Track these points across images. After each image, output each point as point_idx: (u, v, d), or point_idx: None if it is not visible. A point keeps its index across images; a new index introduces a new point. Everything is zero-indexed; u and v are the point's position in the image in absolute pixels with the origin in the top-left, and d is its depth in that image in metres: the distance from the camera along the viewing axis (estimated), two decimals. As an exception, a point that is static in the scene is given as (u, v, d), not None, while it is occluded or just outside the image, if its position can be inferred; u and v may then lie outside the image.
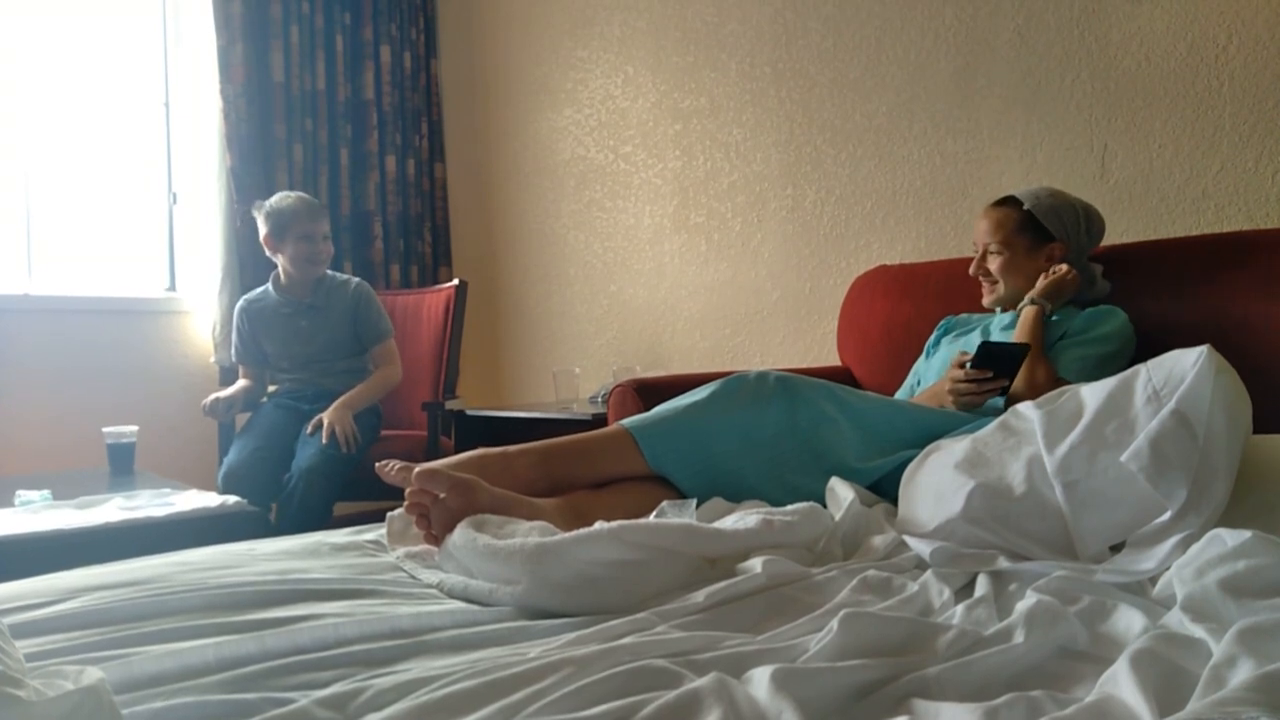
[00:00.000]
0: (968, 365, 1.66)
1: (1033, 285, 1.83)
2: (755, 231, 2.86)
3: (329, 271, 2.88)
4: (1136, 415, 1.16)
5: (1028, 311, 1.78)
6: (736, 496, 1.41)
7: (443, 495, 1.22)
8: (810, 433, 1.47)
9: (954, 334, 2.04)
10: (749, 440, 1.46)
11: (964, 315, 2.09)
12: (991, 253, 1.91)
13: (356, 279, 2.90)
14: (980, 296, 1.98)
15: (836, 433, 1.48)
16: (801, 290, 2.75)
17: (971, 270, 1.95)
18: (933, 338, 2.09)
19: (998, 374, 1.63)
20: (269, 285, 2.89)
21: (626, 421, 1.48)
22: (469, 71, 3.87)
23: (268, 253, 2.83)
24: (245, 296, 2.92)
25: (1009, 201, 1.92)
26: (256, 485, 2.51)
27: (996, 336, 1.90)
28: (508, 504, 1.26)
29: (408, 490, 1.25)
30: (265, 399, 2.91)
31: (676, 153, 3.07)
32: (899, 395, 2.07)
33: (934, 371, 1.99)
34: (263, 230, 2.78)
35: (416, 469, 1.25)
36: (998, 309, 1.97)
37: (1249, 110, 1.93)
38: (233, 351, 2.93)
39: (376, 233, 3.69)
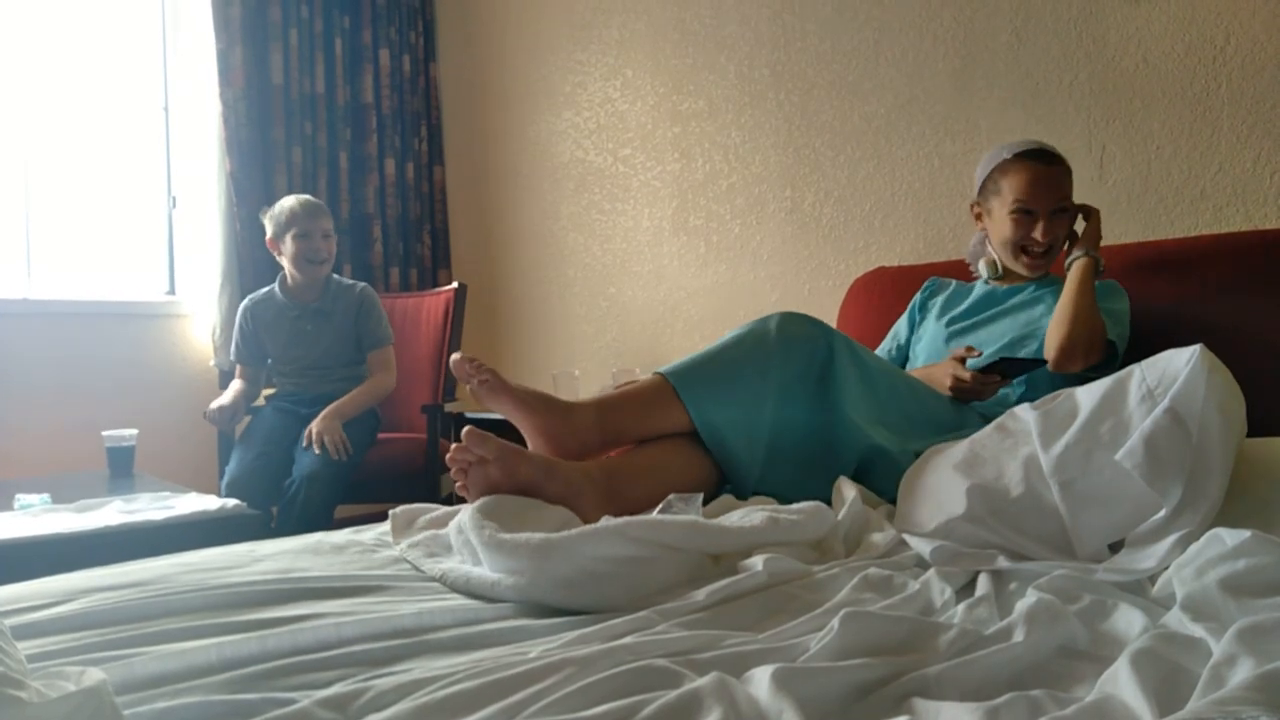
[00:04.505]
0: (967, 362, 1.66)
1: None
2: (754, 233, 2.86)
3: (335, 275, 2.88)
4: (1131, 414, 1.17)
5: (1083, 265, 1.71)
6: (775, 467, 1.43)
7: (490, 459, 1.25)
8: (833, 402, 1.48)
9: (941, 298, 2.02)
10: (776, 409, 1.46)
11: (947, 279, 2.08)
12: (1058, 213, 1.79)
13: (363, 284, 2.90)
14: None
15: (853, 396, 1.48)
16: (800, 292, 2.75)
17: (1046, 235, 1.78)
18: (918, 300, 2.07)
19: (1004, 376, 1.65)
20: (274, 287, 2.88)
21: (669, 374, 1.48)
22: (468, 75, 3.87)
23: (275, 255, 2.84)
24: (250, 296, 2.91)
25: (1057, 158, 1.80)
26: (259, 493, 2.50)
27: (981, 327, 1.89)
28: (548, 474, 1.28)
29: (453, 446, 1.28)
30: (264, 401, 2.91)
31: (675, 155, 3.07)
32: (877, 354, 2.07)
33: (924, 344, 1.97)
34: (268, 233, 2.81)
35: (466, 428, 1.28)
36: (986, 277, 1.94)
37: (1247, 111, 1.93)
38: (232, 350, 2.91)
39: (376, 236, 3.69)
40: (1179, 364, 1.18)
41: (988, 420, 1.66)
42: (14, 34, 3.24)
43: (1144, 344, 1.77)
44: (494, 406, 1.44)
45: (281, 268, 2.86)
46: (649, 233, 3.17)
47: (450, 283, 3.31)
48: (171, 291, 3.52)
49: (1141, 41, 2.07)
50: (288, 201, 2.79)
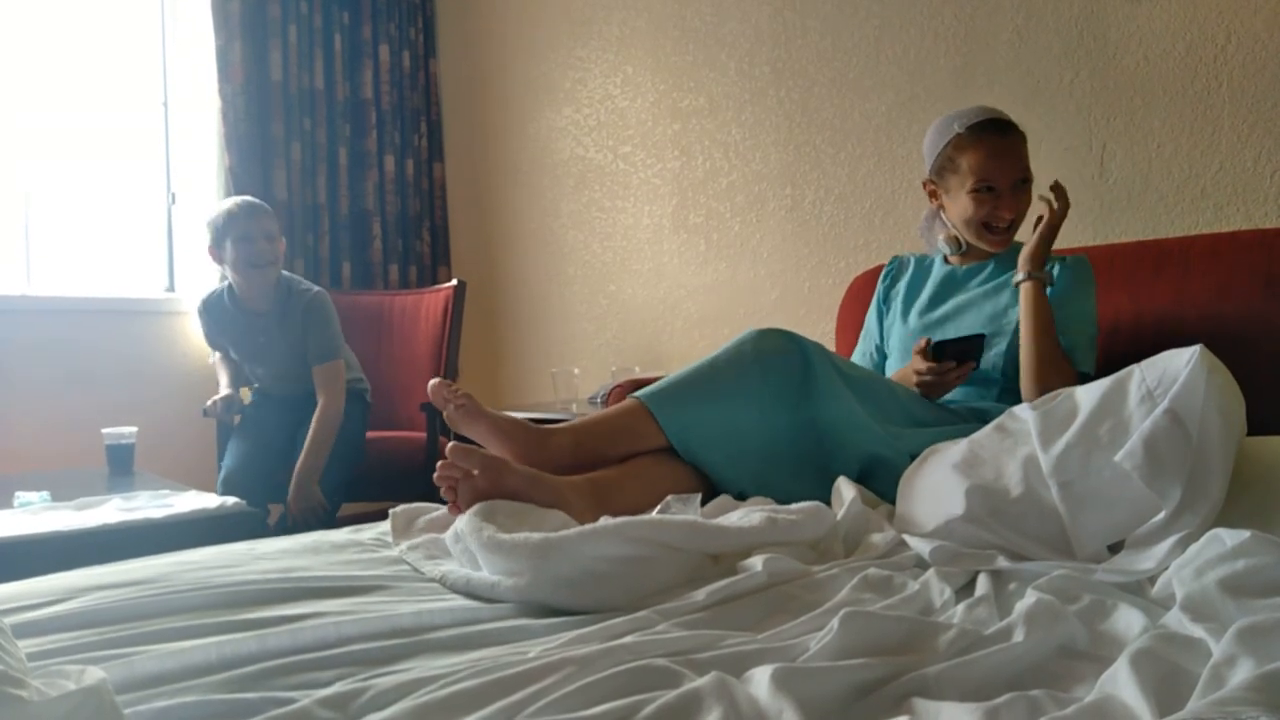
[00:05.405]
0: (928, 351, 1.64)
1: None
2: (754, 231, 2.86)
3: (292, 276, 2.71)
4: (1130, 415, 1.17)
5: (1029, 291, 1.63)
6: (767, 477, 1.44)
7: (475, 472, 1.26)
8: (819, 409, 1.48)
9: (903, 284, 1.95)
10: (755, 423, 1.47)
11: (906, 255, 2.02)
12: (1021, 185, 1.70)
13: (317, 289, 2.68)
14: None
15: (839, 398, 1.49)
16: (800, 290, 2.75)
17: (1010, 212, 1.71)
18: (880, 291, 2.01)
19: (961, 362, 1.62)
20: (224, 292, 2.70)
21: (645, 397, 1.49)
22: (468, 71, 3.86)
23: (218, 266, 2.66)
24: (203, 299, 2.74)
25: (1013, 127, 1.72)
26: (256, 488, 2.50)
27: (934, 287, 1.86)
28: (534, 483, 1.29)
29: (439, 464, 1.29)
30: (251, 391, 2.87)
31: (675, 152, 3.07)
32: (854, 360, 2.03)
33: (894, 341, 1.92)
34: (207, 241, 2.61)
35: (450, 444, 1.29)
36: (948, 252, 1.87)
37: (1248, 109, 1.93)
38: (204, 338, 2.82)
39: (375, 233, 3.69)
40: (1179, 364, 1.18)
41: (959, 415, 1.65)
42: (13, 29, 3.23)
43: (1144, 344, 1.77)
44: (469, 432, 1.46)
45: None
46: (649, 230, 3.17)
47: (449, 280, 3.31)
48: (171, 288, 3.51)
49: (1142, 40, 2.06)
50: (225, 204, 2.63)
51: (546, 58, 3.50)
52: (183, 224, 3.49)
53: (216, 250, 2.61)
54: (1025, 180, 1.72)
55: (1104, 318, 1.87)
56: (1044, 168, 2.23)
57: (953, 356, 1.62)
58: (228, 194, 3.35)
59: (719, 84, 2.93)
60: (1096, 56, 2.13)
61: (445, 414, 1.46)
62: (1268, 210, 1.91)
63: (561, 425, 1.49)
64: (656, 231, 3.15)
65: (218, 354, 2.86)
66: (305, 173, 3.52)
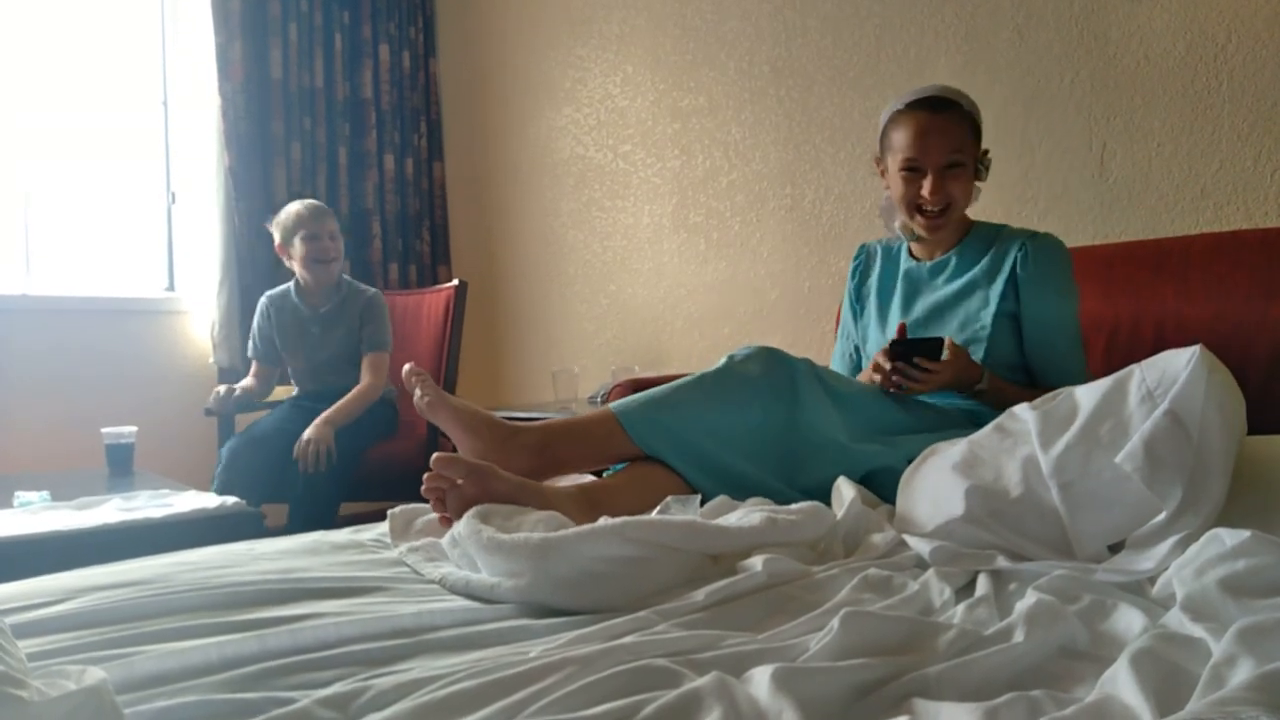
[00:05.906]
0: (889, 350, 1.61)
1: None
2: (754, 230, 2.86)
3: (349, 279, 2.92)
4: (1130, 415, 1.17)
5: (984, 397, 1.62)
6: (738, 483, 1.43)
7: (460, 481, 1.26)
8: (804, 427, 1.47)
9: (873, 282, 1.90)
10: (737, 435, 1.46)
11: (873, 243, 1.95)
12: (952, 167, 1.63)
13: (375, 290, 2.93)
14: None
15: (827, 419, 1.48)
16: (800, 289, 2.75)
17: (934, 194, 1.63)
18: (851, 289, 1.95)
19: (922, 360, 1.58)
20: (290, 287, 2.92)
21: (614, 405, 1.50)
22: (468, 70, 3.86)
23: (285, 262, 2.89)
24: (268, 293, 2.96)
25: (948, 104, 1.64)
26: (251, 471, 2.56)
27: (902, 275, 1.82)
28: (523, 491, 1.28)
29: (425, 476, 1.28)
30: (286, 398, 2.94)
31: (675, 152, 3.07)
32: (835, 359, 2.01)
33: (871, 344, 1.88)
34: (276, 240, 2.86)
35: (435, 455, 1.29)
36: (906, 238, 1.82)
37: (1248, 109, 1.93)
38: (249, 346, 2.97)
39: (375, 232, 3.69)
40: (1178, 365, 1.18)
41: (951, 418, 1.65)
42: (13, 28, 3.23)
43: (1143, 343, 1.77)
44: (435, 422, 1.47)
45: (286, 268, 2.90)
46: (649, 230, 3.17)
47: (449, 279, 3.31)
48: (170, 288, 3.51)
49: (1143, 39, 2.06)
50: (293, 207, 2.85)
51: (546, 57, 3.50)
52: (182, 223, 3.49)
53: (285, 248, 2.86)
54: (955, 164, 1.64)
55: (1104, 318, 1.87)
56: (1044, 167, 2.23)
57: (911, 355, 1.58)
58: (227, 194, 3.36)
59: (719, 83, 2.93)
60: (1096, 56, 2.13)
61: (414, 401, 1.46)
62: (1268, 210, 1.91)
63: (531, 424, 1.47)
64: (656, 231, 3.15)
65: (251, 379, 2.94)
66: (305, 172, 3.52)
